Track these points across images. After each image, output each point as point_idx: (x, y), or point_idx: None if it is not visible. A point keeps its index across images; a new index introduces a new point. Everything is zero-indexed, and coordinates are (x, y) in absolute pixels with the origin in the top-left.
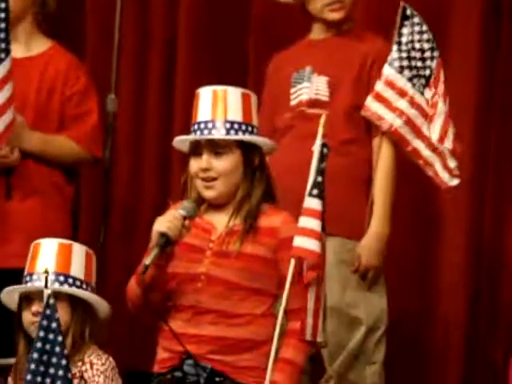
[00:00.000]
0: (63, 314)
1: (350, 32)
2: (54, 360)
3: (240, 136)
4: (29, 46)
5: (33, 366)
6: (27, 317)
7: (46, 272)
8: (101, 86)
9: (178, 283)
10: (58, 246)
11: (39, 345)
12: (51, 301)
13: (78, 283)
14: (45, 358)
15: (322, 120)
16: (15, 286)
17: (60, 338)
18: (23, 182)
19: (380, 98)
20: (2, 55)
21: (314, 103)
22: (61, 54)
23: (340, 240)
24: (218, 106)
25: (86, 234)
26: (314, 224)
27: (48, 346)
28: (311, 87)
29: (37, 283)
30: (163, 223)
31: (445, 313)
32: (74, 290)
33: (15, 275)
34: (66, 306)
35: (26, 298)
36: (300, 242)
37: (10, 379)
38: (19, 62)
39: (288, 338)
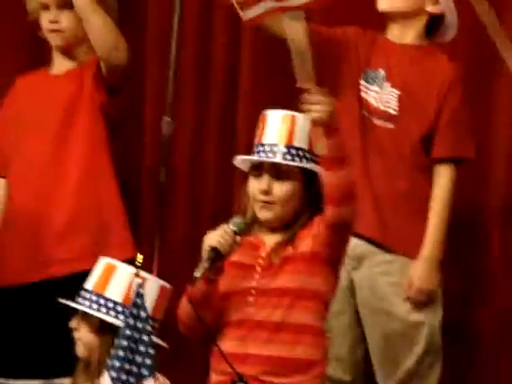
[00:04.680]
0: (89, 336)
1: (428, 48)
2: (142, 348)
3: (304, 164)
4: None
5: (121, 353)
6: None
7: (138, 262)
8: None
9: (229, 301)
10: (105, 265)
11: (128, 332)
12: (140, 290)
13: (118, 308)
14: (133, 345)
15: None
16: (65, 302)
17: (148, 328)
18: None
19: None
20: None
21: (381, 114)
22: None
23: (407, 261)
24: (285, 131)
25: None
26: None
27: (136, 334)
28: (381, 95)
29: (80, 300)
30: (214, 238)
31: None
32: (103, 316)
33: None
34: (94, 329)
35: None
36: None
37: None
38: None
39: None
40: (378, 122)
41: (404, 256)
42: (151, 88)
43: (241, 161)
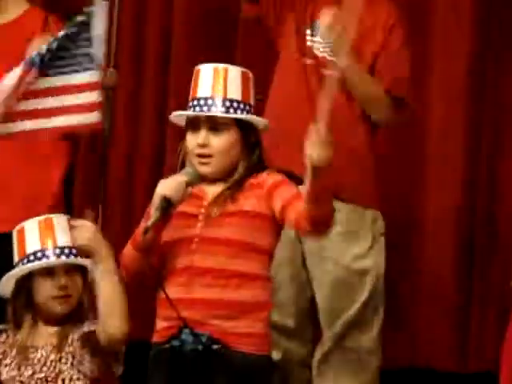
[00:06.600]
0: (79, 285)
1: None
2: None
3: (239, 115)
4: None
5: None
6: (47, 291)
7: None
8: None
9: (172, 248)
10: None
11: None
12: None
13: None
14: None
15: None
16: (30, 266)
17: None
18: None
19: None
20: None
21: (327, 63)
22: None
23: (353, 209)
24: (218, 84)
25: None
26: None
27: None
28: (325, 45)
29: (52, 258)
30: (167, 187)
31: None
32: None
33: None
34: (79, 277)
35: (43, 274)
36: None
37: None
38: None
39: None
40: (325, 71)
41: (350, 204)
42: None
43: (177, 116)
